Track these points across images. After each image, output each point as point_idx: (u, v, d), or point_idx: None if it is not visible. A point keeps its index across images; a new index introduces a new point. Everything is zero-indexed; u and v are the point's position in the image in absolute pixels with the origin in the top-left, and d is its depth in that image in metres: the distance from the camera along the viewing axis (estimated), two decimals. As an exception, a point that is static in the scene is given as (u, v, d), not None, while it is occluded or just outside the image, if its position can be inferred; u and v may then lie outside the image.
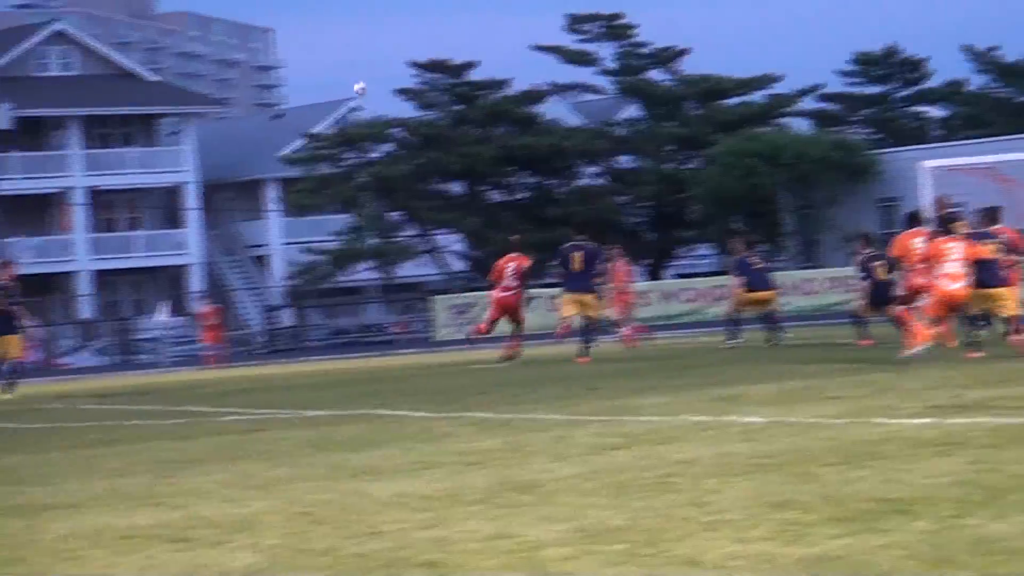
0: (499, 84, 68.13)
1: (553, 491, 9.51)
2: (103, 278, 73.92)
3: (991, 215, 25.48)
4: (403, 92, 68.61)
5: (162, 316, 60.46)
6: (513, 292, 27.66)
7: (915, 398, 13.99)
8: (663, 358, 25.83)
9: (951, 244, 20.08)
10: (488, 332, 28.52)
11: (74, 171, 73.52)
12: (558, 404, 16.29)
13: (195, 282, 73.17)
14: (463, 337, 33.04)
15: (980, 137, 57.84)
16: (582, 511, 8.61)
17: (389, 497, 9.62)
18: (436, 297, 54.87)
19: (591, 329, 27.16)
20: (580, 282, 26.66)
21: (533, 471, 10.53)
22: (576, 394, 17.71)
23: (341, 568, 7.36)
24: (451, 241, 68.79)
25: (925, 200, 28.82)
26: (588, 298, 26.76)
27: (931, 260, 20.18)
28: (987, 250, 20.71)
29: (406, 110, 68.96)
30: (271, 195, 77.84)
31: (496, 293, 27.98)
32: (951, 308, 20.22)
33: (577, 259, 26.75)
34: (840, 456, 10.18)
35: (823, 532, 7.53)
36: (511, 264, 27.81)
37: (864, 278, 25.25)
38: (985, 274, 20.40)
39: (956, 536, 7.20)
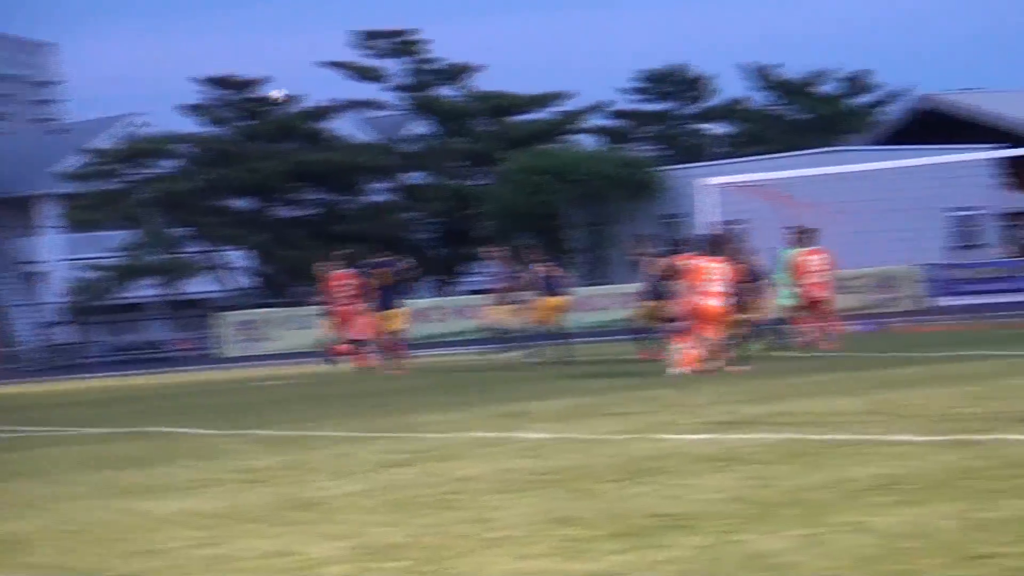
0: (288, 100, 67.72)
1: (335, 508, 9.44)
2: None
3: (803, 237, 26.31)
4: (189, 108, 67.85)
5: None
6: (354, 306, 29.09)
7: (695, 414, 14.20)
8: (450, 374, 25.86)
9: (713, 265, 20.81)
10: (352, 351, 29.51)
11: None
12: (343, 421, 16.21)
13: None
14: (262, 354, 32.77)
15: (762, 153, 59.16)
16: (363, 528, 8.56)
17: (166, 515, 9.46)
18: (223, 314, 54.26)
19: (400, 341, 28.32)
20: (393, 297, 28.07)
21: (315, 488, 10.45)
22: (362, 411, 17.64)
23: (114, 589, 7.22)
24: (238, 257, 68.13)
25: (705, 217, 29.33)
26: (399, 311, 28.20)
27: (693, 280, 20.81)
28: (741, 269, 21.53)
29: (192, 126, 68.19)
30: (49, 211, 76.18)
31: (337, 308, 29.30)
32: (712, 325, 20.76)
33: (386, 275, 28.19)
34: (622, 472, 10.28)
35: (604, 548, 7.58)
36: (348, 281, 29.34)
37: (654, 282, 25.20)
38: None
39: (731, 551, 7.31)
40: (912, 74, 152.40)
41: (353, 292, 29.16)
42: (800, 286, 25.90)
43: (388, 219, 64.38)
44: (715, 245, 21.50)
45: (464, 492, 9.80)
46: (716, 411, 14.35)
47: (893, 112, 65.74)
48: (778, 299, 26.28)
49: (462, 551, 7.74)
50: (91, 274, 67.06)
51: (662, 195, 54.89)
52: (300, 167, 64.38)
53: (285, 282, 62.45)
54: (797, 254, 26.12)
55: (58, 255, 75.69)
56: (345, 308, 29.32)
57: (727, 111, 76.28)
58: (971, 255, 49.69)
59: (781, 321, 26.17)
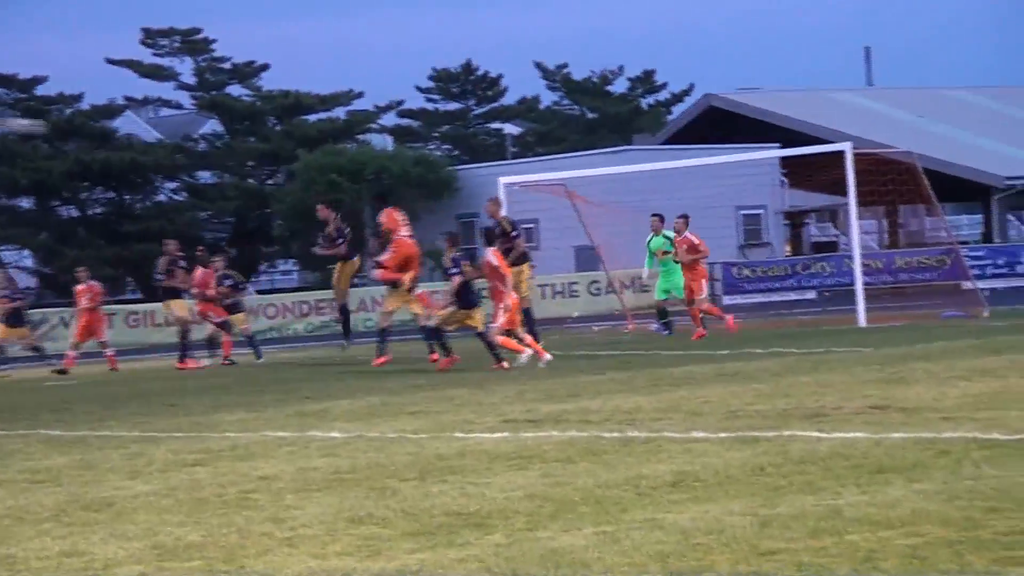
0: (72, 99, 66.56)
1: (128, 508, 9.31)
2: None
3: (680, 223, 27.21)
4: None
5: None
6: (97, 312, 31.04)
7: (492, 412, 14.27)
8: (245, 374, 25.63)
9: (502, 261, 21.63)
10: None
11: None
12: (135, 420, 15.96)
13: None
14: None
15: (554, 153, 59.65)
16: (158, 528, 8.46)
17: (-48, 518, 9.24)
18: (2, 313, 52.98)
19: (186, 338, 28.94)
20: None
21: (107, 488, 10.29)
22: (155, 411, 17.37)
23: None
24: (20, 257, 66.66)
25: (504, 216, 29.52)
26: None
27: (502, 277, 21.28)
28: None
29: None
30: None
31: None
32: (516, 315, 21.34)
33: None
34: (419, 471, 10.30)
35: (401, 546, 7.60)
36: (93, 288, 31.05)
37: (454, 273, 24.89)
38: (470, 294, 21.77)
39: (529, 548, 7.37)
40: (695, 73, 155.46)
41: (95, 299, 30.99)
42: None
43: (179, 218, 63.51)
44: (490, 240, 22.16)
45: (262, 491, 9.74)
46: (513, 409, 14.44)
47: (680, 111, 66.77)
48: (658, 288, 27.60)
49: (259, 550, 7.70)
50: None
51: (456, 194, 55.03)
52: (85, 166, 63.20)
53: (70, 282, 61.36)
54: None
55: None
56: (89, 313, 30.74)
57: (519, 111, 76.80)
58: (755, 253, 50.68)
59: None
